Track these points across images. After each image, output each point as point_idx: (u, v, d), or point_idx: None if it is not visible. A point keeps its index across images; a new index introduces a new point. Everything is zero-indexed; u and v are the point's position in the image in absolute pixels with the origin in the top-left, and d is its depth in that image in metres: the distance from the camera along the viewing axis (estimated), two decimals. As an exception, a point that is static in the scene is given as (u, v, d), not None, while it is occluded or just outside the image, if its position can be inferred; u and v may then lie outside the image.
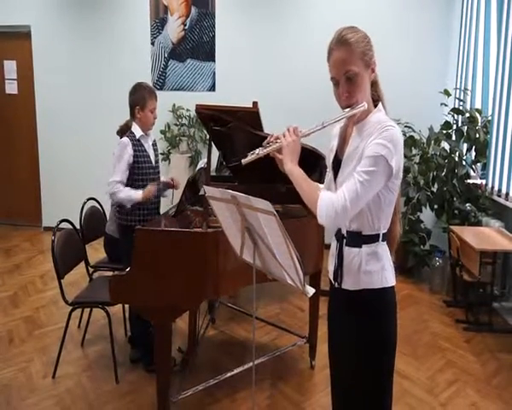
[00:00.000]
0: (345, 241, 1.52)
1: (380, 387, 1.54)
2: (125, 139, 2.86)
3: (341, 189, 1.41)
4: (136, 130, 2.91)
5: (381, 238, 1.49)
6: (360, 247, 1.48)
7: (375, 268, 1.48)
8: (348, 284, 1.51)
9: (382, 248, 1.50)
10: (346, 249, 1.51)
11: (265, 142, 1.57)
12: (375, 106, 1.51)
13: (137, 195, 2.82)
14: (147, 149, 2.95)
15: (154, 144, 3.08)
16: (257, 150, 1.56)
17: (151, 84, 5.63)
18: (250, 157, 1.56)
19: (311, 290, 1.53)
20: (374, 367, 1.52)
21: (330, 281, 1.60)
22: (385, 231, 1.50)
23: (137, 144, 2.88)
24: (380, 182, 1.40)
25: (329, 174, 1.60)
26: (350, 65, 1.42)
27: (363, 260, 1.47)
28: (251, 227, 1.61)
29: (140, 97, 2.89)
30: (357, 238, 1.49)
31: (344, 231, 1.52)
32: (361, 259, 1.48)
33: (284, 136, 1.53)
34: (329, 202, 1.40)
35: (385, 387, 1.55)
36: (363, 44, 1.44)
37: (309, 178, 1.50)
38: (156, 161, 3.05)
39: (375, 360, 1.51)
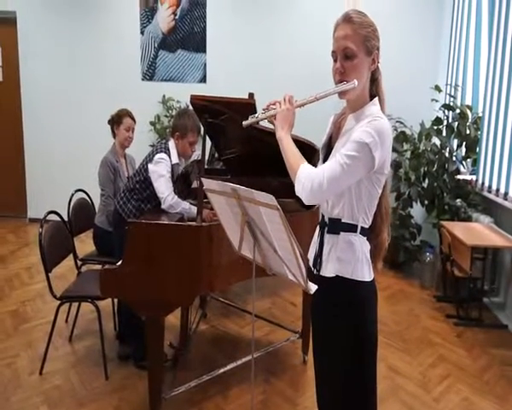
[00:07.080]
0: (326, 228, 1.54)
1: (355, 382, 1.51)
2: (165, 156, 2.77)
3: (322, 166, 1.44)
4: (174, 153, 2.82)
5: (359, 230, 1.49)
6: (338, 234, 1.50)
7: (347, 258, 1.49)
8: (325, 270, 1.54)
9: (360, 241, 1.50)
10: (327, 237, 1.54)
11: (264, 106, 1.59)
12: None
13: (195, 210, 2.65)
14: (174, 175, 2.88)
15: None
16: (257, 114, 1.58)
17: (141, 75, 5.56)
18: (250, 120, 1.59)
19: (313, 287, 1.50)
20: (346, 358, 1.50)
21: (310, 268, 1.62)
22: (365, 225, 1.50)
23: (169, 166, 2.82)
24: (360, 170, 1.39)
25: (320, 158, 1.62)
26: (350, 42, 1.43)
27: (338, 247, 1.50)
28: (252, 222, 1.57)
29: (182, 126, 2.81)
30: (336, 225, 1.51)
31: (326, 219, 1.54)
32: (337, 245, 1.50)
33: (280, 103, 1.55)
34: (308, 175, 1.42)
35: (359, 383, 1.51)
36: (368, 30, 1.45)
37: (297, 150, 1.50)
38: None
39: (347, 351, 1.50)
